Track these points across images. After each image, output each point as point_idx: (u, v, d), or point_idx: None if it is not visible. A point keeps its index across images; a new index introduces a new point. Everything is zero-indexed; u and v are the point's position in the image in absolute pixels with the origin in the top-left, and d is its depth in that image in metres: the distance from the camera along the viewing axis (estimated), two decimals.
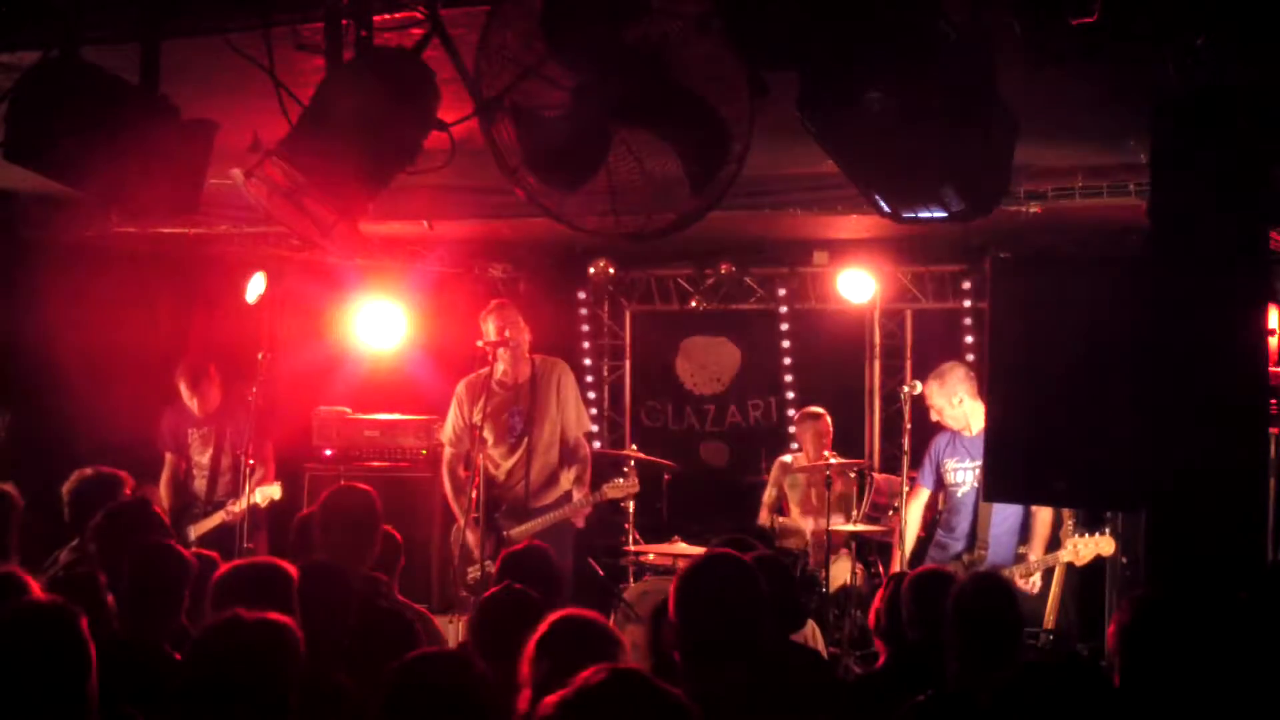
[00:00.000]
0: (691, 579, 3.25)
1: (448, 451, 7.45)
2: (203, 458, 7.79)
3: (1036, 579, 6.80)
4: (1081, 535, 6.68)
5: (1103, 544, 6.63)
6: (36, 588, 3.91)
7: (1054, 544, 6.85)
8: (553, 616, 3.39)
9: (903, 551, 7.11)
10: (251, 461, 7.32)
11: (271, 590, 3.86)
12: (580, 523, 7.32)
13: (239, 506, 7.42)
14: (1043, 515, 6.89)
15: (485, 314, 7.22)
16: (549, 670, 3.18)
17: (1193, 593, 3.84)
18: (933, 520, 7.36)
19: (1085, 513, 6.79)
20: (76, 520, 5.56)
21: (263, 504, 7.57)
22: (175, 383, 7.77)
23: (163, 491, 7.70)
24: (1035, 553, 6.84)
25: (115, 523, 5.00)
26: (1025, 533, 6.96)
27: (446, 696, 2.91)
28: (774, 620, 3.70)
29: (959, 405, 6.99)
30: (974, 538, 6.98)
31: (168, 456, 7.79)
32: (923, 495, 7.24)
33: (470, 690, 2.94)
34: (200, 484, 7.78)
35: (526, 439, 7.23)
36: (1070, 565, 6.79)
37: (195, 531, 7.55)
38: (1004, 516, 6.90)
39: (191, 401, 7.74)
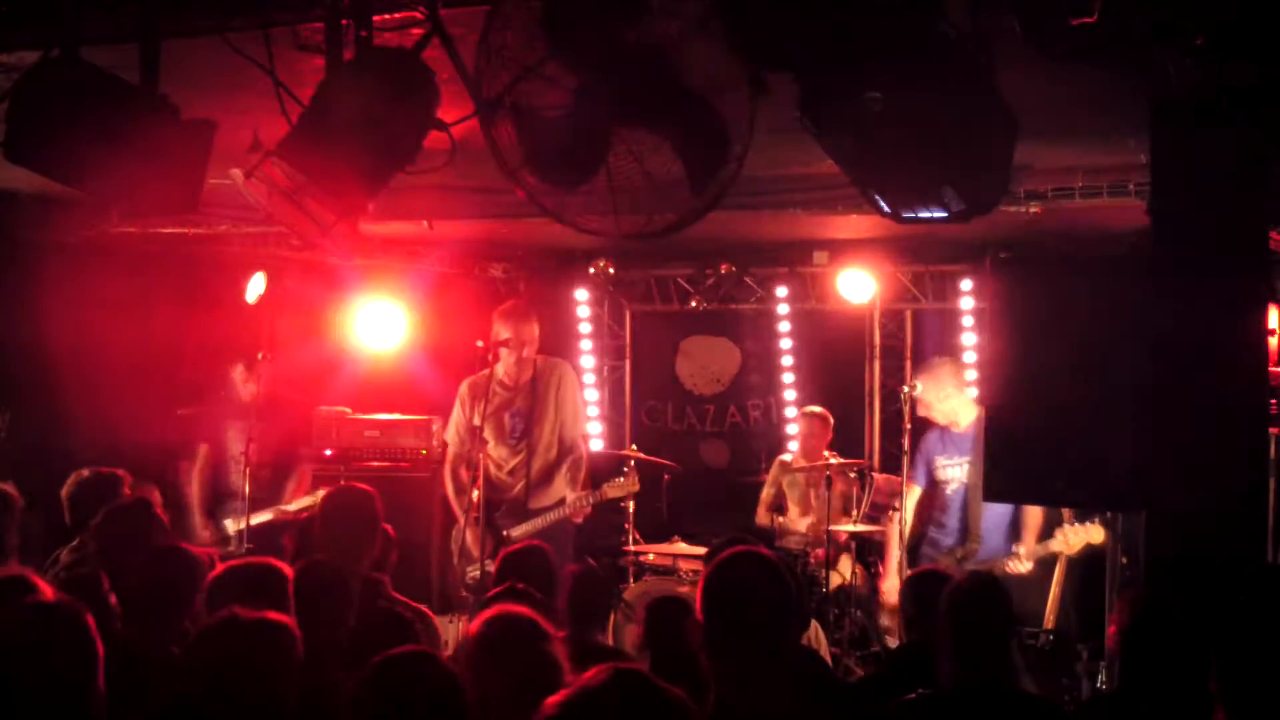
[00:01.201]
0: (721, 577, 3.23)
1: (450, 452, 7.46)
2: (236, 450, 7.58)
3: (1027, 565, 6.80)
4: (1071, 524, 6.69)
5: (1092, 533, 6.64)
6: (48, 589, 3.89)
7: (1047, 535, 6.86)
8: (482, 615, 3.40)
9: (901, 552, 7.12)
10: (248, 469, 7.25)
11: (267, 590, 3.85)
12: (578, 519, 7.30)
13: (293, 506, 7.38)
14: (1032, 509, 6.91)
15: (502, 314, 7.22)
16: (485, 667, 3.18)
17: (1192, 593, 3.85)
18: (925, 518, 7.39)
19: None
20: (77, 521, 5.55)
21: None
22: (226, 370, 7.66)
23: (195, 481, 7.58)
24: (1027, 544, 6.87)
25: (116, 522, 5.00)
26: (1017, 528, 6.97)
27: (416, 700, 2.89)
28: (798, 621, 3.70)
29: (945, 400, 7.07)
30: (966, 531, 7.01)
31: (201, 448, 7.65)
32: (915, 493, 7.29)
33: (439, 692, 2.91)
34: (237, 479, 7.57)
35: (527, 439, 7.23)
36: (1071, 565, 6.79)
37: (235, 525, 7.46)
38: (995, 510, 6.93)
39: (246, 387, 7.62)
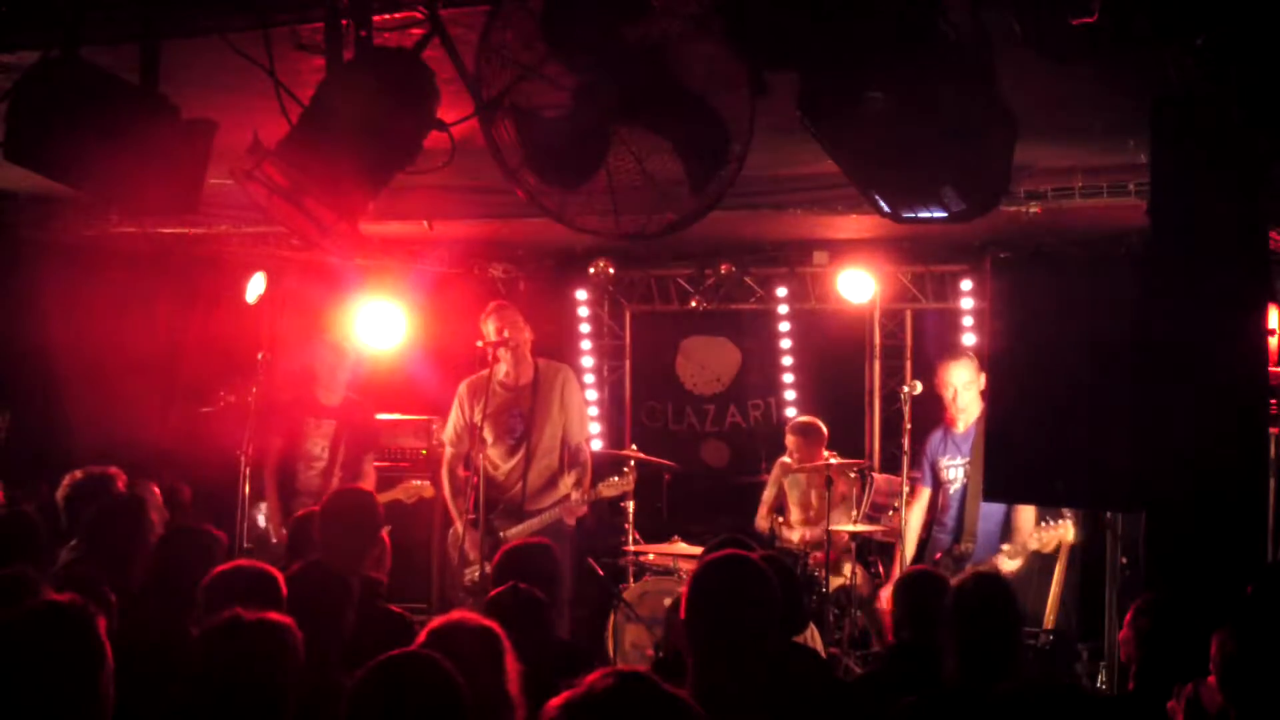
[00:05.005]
0: (704, 579, 3.24)
1: (448, 451, 7.43)
2: (315, 447, 7.49)
3: (1015, 562, 6.77)
4: (1042, 524, 6.68)
5: (1064, 532, 6.61)
6: (48, 589, 3.88)
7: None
8: (431, 624, 3.38)
9: (903, 554, 7.11)
10: (248, 468, 7.20)
11: (262, 595, 3.84)
12: (571, 521, 7.27)
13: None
14: (1025, 510, 6.87)
15: (485, 315, 7.22)
16: None
17: (1191, 593, 3.85)
18: (930, 520, 7.36)
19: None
20: (73, 522, 5.55)
21: (408, 500, 7.54)
22: (311, 363, 7.54)
23: (268, 476, 7.39)
24: (1015, 542, 6.83)
25: (107, 520, 4.99)
26: (1008, 529, 6.94)
27: (414, 701, 2.88)
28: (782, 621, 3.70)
29: (967, 392, 6.98)
30: (961, 529, 6.98)
31: (277, 441, 7.43)
32: (923, 496, 7.24)
33: (437, 693, 2.90)
34: (311, 476, 7.44)
35: (526, 441, 7.23)
36: (1070, 566, 6.78)
37: None
38: (989, 511, 6.90)
39: (343, 357, 7.55)
